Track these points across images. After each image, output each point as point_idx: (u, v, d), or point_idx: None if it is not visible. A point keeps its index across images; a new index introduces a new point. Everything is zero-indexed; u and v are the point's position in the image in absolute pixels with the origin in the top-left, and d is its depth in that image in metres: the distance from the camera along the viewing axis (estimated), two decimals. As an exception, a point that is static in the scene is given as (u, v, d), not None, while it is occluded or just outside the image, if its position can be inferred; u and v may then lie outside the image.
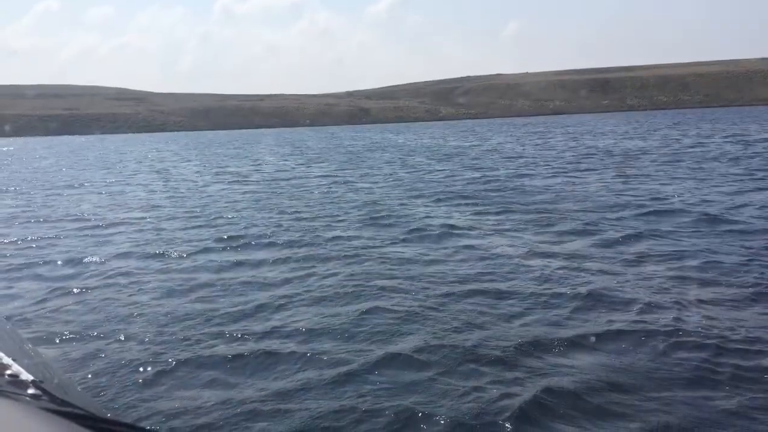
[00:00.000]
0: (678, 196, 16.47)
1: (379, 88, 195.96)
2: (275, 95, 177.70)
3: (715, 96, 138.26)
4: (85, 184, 27.60)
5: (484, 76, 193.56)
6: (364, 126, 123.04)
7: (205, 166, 37.37)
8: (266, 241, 12.75)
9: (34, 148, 74.21)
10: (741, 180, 19.34)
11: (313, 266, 10.37)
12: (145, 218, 16.60)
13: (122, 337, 7.21)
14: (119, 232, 14.53)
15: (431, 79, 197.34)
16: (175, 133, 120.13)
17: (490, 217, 14.61)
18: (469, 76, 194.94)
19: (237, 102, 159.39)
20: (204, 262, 11.01)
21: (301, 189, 22.56)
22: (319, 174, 28.68)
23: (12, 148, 74.28)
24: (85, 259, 11.49)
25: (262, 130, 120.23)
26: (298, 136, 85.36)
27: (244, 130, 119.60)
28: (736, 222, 12.73)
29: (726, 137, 39.97)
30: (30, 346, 2.38)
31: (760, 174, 20.49)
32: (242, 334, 7.19)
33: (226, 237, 13.23)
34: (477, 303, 8.05)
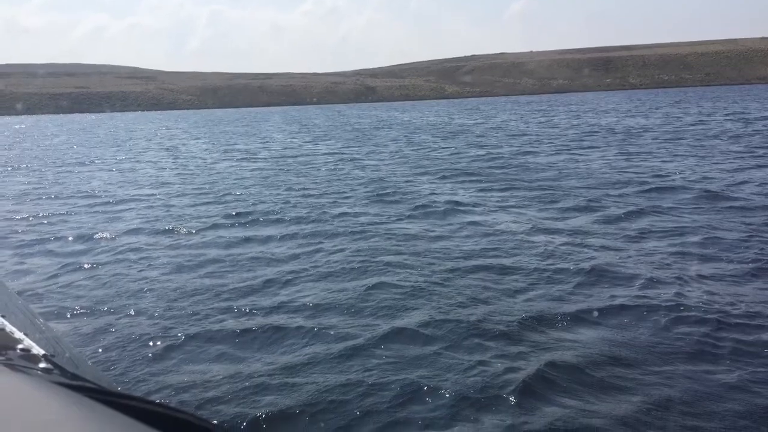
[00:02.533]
0: (679, 173, 16.45)
1: (385, 67, 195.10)
2: (283, 74, 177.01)
3: (716, 75, 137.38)
4: (96, 162, 27.74)
5: (488, 54, 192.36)
6: (370, 104, 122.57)
7: (213, 143, 37.45)
8: (274, 217, 12.83)
9: (46, 125, 74.47)
10: (741, 157, 19.29)
11: (320, 242, 10.45)
12: (155, 195, 16.72)
13: (132, 312, 7.32)
14: (129, 209, 14.66)
15: (437, 58, 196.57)
16: (185, 111, 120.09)
17: (494, 194, 14.65)
18: (474, 55, 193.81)
19: (245, 80, 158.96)
20: (213, 238, 11.12)
21: (309, 166, 22.61)
22: (326, 151, 28.70)
23: (23, 126, 74.49)
24: (96, 235, 11.62)
25: (270, 108, 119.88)
26: (305, 114, 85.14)
27: (252, 108, 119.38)
28: (737, 198, 12.75)
29: (727, 115, 39.77)
30: (41, 320, 2.43)
31: (761, 151, 20.43)
32: (250, 309, 7.28)
33: (234, 213, 13.33)
34: (481, 278, 8.12)
